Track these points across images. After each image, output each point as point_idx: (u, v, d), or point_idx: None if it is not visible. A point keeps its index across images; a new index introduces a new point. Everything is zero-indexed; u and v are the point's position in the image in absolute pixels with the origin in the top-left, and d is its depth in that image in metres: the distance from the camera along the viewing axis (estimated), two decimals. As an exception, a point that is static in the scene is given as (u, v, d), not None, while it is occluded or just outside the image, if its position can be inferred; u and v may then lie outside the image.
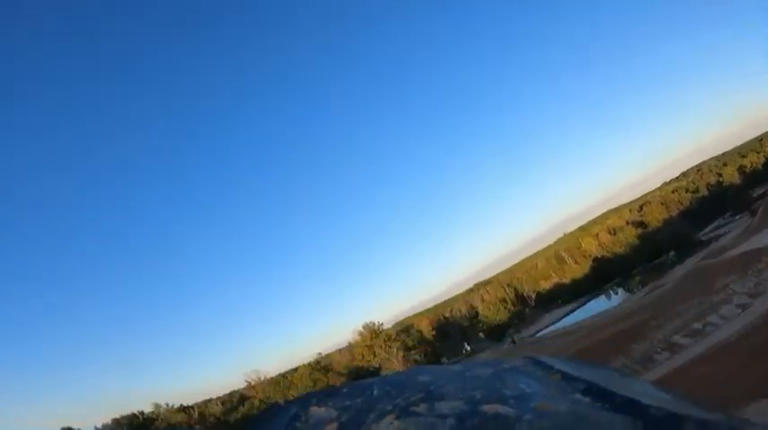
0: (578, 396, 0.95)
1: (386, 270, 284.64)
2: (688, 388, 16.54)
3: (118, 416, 44.04)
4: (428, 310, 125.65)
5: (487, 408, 0.92)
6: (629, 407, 0.86)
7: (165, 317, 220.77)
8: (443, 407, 0.95)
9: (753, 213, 59.85)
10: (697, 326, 24.63)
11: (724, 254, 42.47)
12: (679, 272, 47.61)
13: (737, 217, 67.17)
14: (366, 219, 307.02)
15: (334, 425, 0.97)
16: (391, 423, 0.92)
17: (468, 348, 76.75)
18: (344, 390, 1.22)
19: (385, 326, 65.04)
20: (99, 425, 42.78)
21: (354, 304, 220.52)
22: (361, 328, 62.89)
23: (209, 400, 70.89)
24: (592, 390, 0.96)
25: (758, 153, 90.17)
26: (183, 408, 50.31)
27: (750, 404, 11.23)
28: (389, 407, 0.98)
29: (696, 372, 17.71)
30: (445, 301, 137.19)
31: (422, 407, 0.96)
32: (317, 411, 1.06)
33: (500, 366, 1.17)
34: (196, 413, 49.60)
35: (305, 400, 1.14)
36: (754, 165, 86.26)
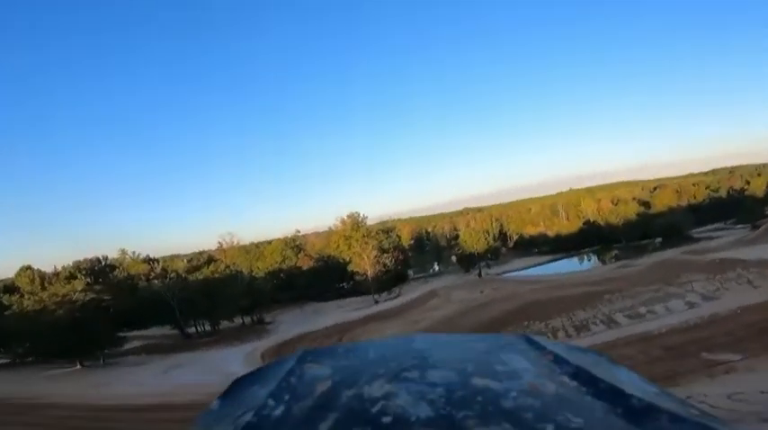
0: (566, 379, 0.97)
1: (387, 165, 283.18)
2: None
3: (81, 258, 44.74)
4: (413, 219, 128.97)
5: (477, 381, 0.94)
6: (612, 394, 0.88)
7: (147, 164, 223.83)
8: (435, 375, 0.98)
9: (755, 227, 59.86)
10: (642, 310, 25.87)
11: (705, 254, 42.89)
12: (656, 258, 48.34)
13: (738, 226, 66.67)
14: (387, 109, 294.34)
15: (328, 383, 0.99)
16: (382, 386, 0.94)
17: (437, 268, 79.72)
18: (341, 350, 1.22)
19: (369, 222, 66.56)
20: (59, 267, 42.12)
21: (345, 190, 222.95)
22: (345, 217, 64.66)
23: (177, 256, 71.26)
24: (579, 374, 0.98)
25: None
26: (148, 260, 50.44)
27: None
28: (382, 371, 1.02)
29: (616, 353, 19.03)
30: (432, 215, 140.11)
31: (414, 374, 0.99)
32: (311, 368, 1.09)
33: (496, 341, 1.20)
34: (159, 266, 49.27)
35: (301, 356, 1.17)
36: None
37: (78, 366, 31.92)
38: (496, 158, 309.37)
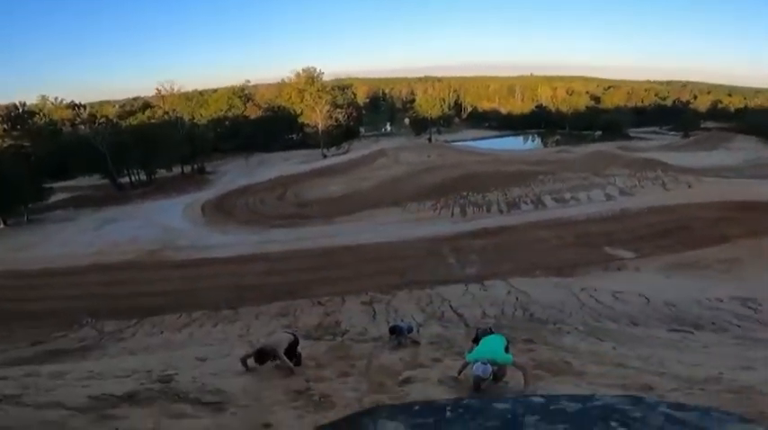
0: None
1: (351, 21, 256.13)
2: (526, 243, 20.26)
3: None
4: (371, 80, 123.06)
5: None
6: None
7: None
8: None
9: (686, 136, 65.44)
10: (567, 196, 28.48)
11: (634, 152, 46.35)
12: (591, 148, 51.47)
13: (671, 133, 71.82)
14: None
15: None
16: None
17: (389, 128, 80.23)
18: (416, 408, 1.10)
19: (325, 78, 63.99)
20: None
21: (302, 44, 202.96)
22: (300, 70, 61.30)
23: (108, 102, 66.84)
24: None
25: (745, 99, 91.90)
26: (73, 105, 46.19)
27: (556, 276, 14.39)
28: None
29: (536, 234, 21.22)
30: (392, 78, 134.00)
31: None
32: (386, 425, 1.02)
33: (590, 403, 1.04)
34: (86, 112, 45.03)
35: (376, 413, 1.10)
36: (729, 105, 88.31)
37: (2, 225, 30.44)
38: (465, 31, 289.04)
